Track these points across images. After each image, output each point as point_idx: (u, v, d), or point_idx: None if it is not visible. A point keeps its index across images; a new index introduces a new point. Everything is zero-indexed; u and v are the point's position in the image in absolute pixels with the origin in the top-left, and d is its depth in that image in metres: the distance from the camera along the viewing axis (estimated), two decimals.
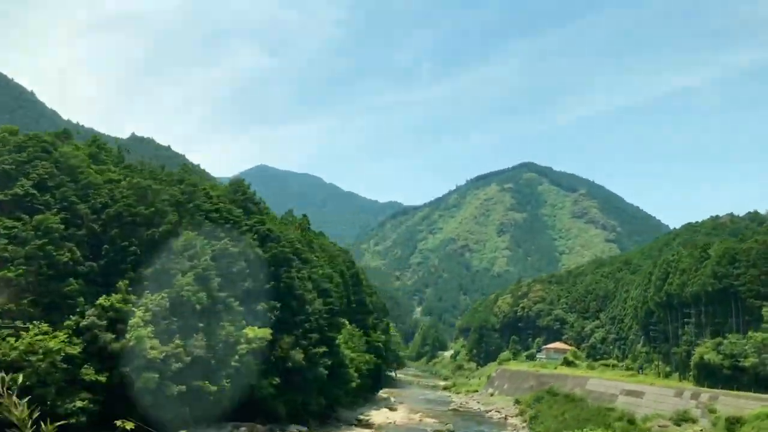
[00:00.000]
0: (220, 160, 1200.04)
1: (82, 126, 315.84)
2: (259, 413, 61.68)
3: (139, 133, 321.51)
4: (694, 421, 59.66)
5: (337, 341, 77.60)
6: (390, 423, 76.67)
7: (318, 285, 76.86)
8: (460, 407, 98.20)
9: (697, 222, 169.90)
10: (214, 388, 53.57)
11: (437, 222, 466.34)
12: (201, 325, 55.61)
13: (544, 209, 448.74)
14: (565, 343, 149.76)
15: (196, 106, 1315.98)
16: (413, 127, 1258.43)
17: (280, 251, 71.56)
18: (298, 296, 70.01)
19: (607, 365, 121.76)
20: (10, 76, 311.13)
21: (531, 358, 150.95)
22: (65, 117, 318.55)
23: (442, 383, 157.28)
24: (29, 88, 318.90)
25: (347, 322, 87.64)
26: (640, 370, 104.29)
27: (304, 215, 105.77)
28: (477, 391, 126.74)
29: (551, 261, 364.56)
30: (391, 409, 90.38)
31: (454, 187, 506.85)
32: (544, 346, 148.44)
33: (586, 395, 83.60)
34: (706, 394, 64.09)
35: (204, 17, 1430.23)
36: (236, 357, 57.37)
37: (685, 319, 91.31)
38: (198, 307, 54.84)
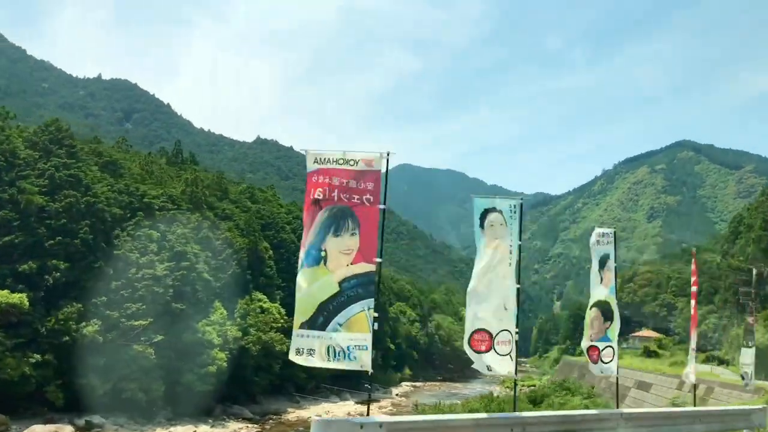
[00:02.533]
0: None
1: (212, 132, 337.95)
2: None
3: (263, 136, 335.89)
4: None
5: None
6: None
7: None
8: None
9: None
10: None
11: (581, 210, 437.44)
12: None
13: (702, 190, 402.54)
14: (656, 331, 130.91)
15: (345, 114, 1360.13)
16: (564, 115, 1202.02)
17: None
18: None
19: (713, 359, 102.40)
20: (151, 92, 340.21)
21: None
22: (198, 126, 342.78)
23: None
24: (165, 101, 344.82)
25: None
26: (746, 378, 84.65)
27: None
28: (534, 385, 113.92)
29: None
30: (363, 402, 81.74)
31: (600, 173, 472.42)
32: (631, 335, 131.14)
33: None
34: None
35: (355, 27, 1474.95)
36: None
37: None
38: None
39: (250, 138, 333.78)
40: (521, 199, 11.04)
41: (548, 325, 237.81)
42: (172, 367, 52.77)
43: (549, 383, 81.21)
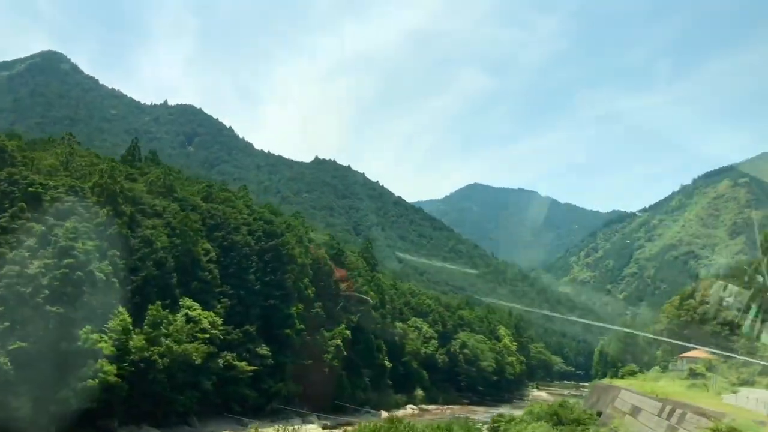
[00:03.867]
0: (430, 185, 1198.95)
1: (272, 153, 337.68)
2: None
3: (322, 156, 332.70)
4: None
5: None
6: None
7: None
8: None
9: None
10: None
11: (657, 227, 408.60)
12: None
13: None
14: (715, 352, 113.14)
15: (419, 136, 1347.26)
16: (640, 132, 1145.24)
17: None
18: None
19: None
20: (214, 116, 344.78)
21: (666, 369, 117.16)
22: (258, 147, 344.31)
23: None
24: (228, 125, 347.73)
25: None
26: None
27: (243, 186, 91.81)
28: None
29: None
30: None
31: (678, 188, 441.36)
32: (680, 355, 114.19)
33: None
34: None
35: (428, 48, 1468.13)
36: None
37: None
38: None
39: (309, 159, 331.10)
40: None
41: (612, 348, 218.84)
42: (43, 381, 44.68)
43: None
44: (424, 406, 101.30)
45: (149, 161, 76.65)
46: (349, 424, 69.40)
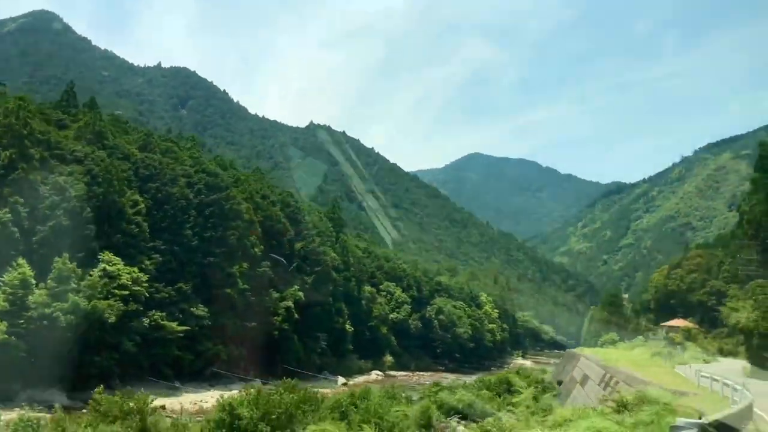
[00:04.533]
0: (431, 154, 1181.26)
1: (266, 118, 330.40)
2: None
3: (317, 122, 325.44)
4: None
5: None
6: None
7: None
8: None
9: None
10: None
11: (656, 199, 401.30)
12: None
13: None
14: (701, 321, 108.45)
15: (422, 105, 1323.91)
16: (643, 104, 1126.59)
17: None
18: None
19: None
20: (209, 79, 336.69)
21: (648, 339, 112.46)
22: (252, 112, 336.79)
23: None
24: (222, 88, 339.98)
25: None
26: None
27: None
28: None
29: None
30: None
31: (679, 159, 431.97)
32: (662, 324, 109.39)
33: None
34: None
35: (433, 16, 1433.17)
36: None
37: None
38: None
39: (303, 124, 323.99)
40: None
41: (598, 317, 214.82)
42: None
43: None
44: (392, 372, 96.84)
45: (87, 107, 70.86)
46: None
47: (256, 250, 67.49)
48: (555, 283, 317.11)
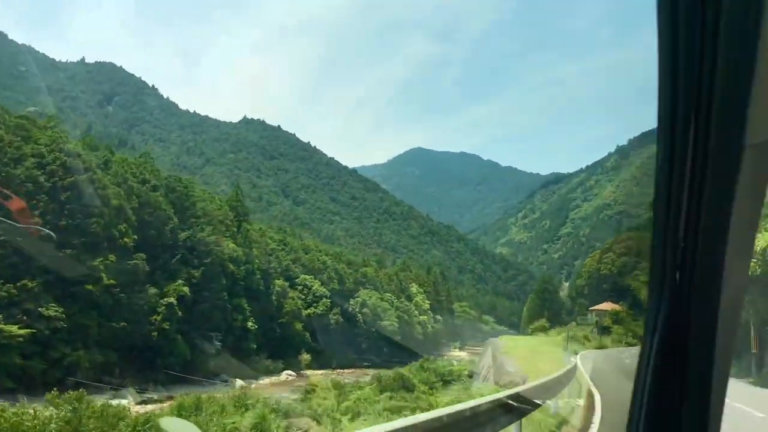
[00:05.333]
0: (374, 151, 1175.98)
1: (197, 113, 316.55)
2: None
3: (249, 116, 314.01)
4: None
5: None
6: None
7: None
8: None
9: None
10: None
11: (593, 188, 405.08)
12: None
13: None
14: (631, 305, 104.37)
15: (364, 103, 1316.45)
16: (582, 97, 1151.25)
17: None
18: None
19: None
20: (137, 75, 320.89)
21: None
22: (184, 107, 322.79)
23: None
24: (150, 83, 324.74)
25: None
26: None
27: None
28: None
29: None
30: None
31: (615, 149, 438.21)
32: (590, 308, 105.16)
33: None
34: None
35: (374, 13, 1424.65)
36: None
37: None
38: None
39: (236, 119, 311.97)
40: None
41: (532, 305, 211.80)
42: None
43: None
44: (308, 372, 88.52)
45: None
46: (172, 398, 56.03)
47: (126, 240, 58.21)
48: (496, 274, 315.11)
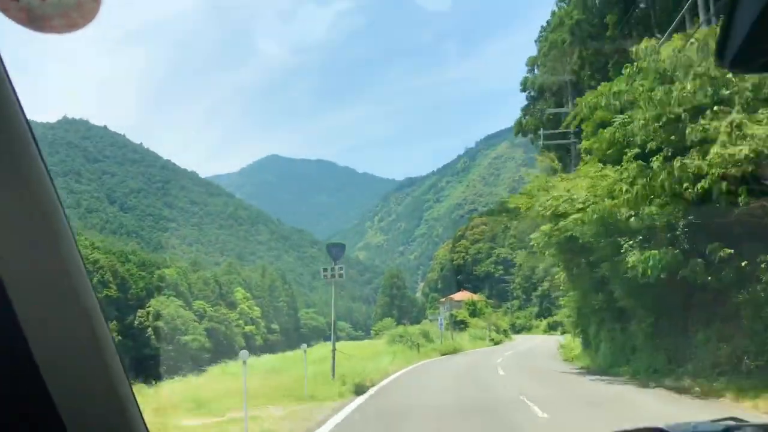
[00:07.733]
0: (228, 159, 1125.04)
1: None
2: None
3: (70, 116, 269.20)
4: None
5: None
6: None
7: None
8: None
9: None
10: None
11: (444, 189, 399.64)
12: None
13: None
14: (490, 295, 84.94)
15: (216, 111, 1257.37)
16: (437, 105, 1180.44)
17: None
18: None
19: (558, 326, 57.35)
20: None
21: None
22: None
23: None
24: None
25: None
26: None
27: None
28: None
29: None
30: None
31: (464, 151, 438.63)
32: (442, 299, 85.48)
33: None
34: None
35: (225, 20, 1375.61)
36: None
37: None
38: None
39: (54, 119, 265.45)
40: None
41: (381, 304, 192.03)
42: None
43: None
44: None
45: None
46: None
47: None
48: (352, 278, 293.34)
